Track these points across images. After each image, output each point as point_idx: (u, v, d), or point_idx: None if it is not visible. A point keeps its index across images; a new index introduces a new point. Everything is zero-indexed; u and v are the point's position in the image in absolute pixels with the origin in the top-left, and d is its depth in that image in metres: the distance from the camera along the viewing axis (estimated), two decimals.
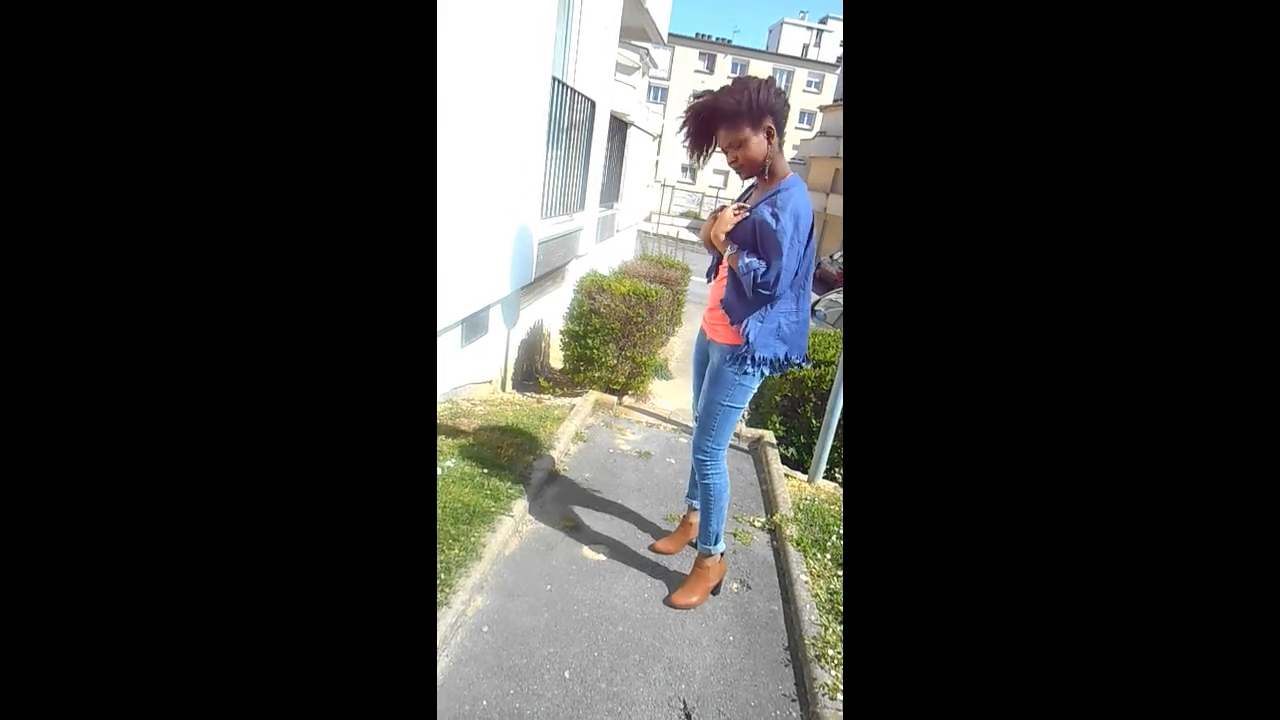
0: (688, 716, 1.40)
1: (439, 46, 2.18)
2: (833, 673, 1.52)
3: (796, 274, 1.52)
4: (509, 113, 3.00)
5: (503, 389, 3.77)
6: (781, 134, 1.51)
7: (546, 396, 3.53)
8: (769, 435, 3.16)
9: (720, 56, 33.48)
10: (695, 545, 1.88)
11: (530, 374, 4.30)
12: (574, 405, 3.14)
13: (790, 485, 2.68)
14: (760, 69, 33.23)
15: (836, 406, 2.80)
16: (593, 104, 4.69)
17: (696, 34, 33.51)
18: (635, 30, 7.19)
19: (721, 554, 1.81)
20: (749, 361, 1.57)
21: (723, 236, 1.57)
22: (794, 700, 1.50)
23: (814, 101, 33.08)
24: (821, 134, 28.50)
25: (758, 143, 1.48)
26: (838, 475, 3.25)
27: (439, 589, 1.56)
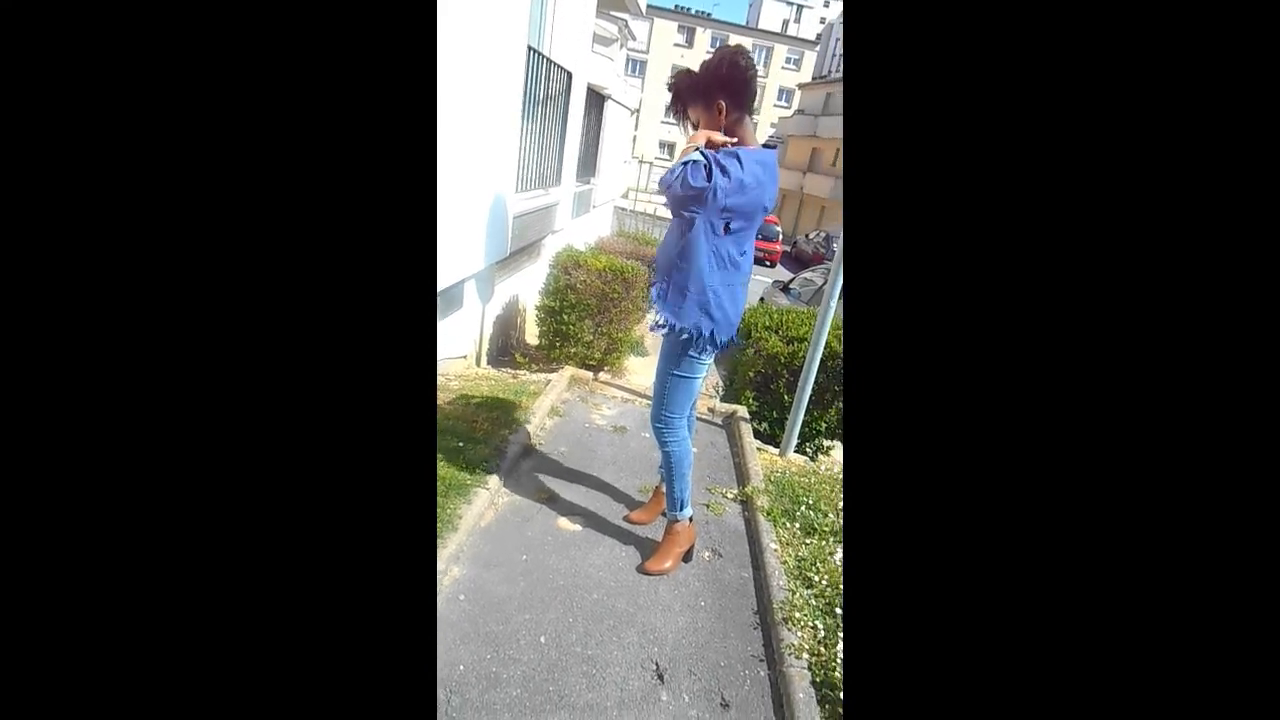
0: (660, 677, 1.45)
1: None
2: (799, 634, 1.59)
3: (719, 247, 1.53)
4: (484, 83, 2.94)
5: (477, 364, 3.75)
6: (741, 107, 1.53)
7: (522, 372, 3.53)
8: (742, 410, 3.21)
9: (700, 30, 32.95)
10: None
11: (505, 350, 4.28)
12: (550, 381, 3.15)
13: (762, 459, 2.75)
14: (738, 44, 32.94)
15: (808, 383, 2.86)
16: (569, 75, 4.60)
17: (676, 6, 32.86)
18: (613, 1, 7.04)
19: (690, 519, 1.86)
20: (672, 331, 1.62)
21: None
22: (761, 660, 1.57)
23: (793, 79, 32.88)
24: (799, 112, 28.39)
25: (709, 119, 1.55)
26: (808, 450, 3.34)
27: None
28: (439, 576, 1.60)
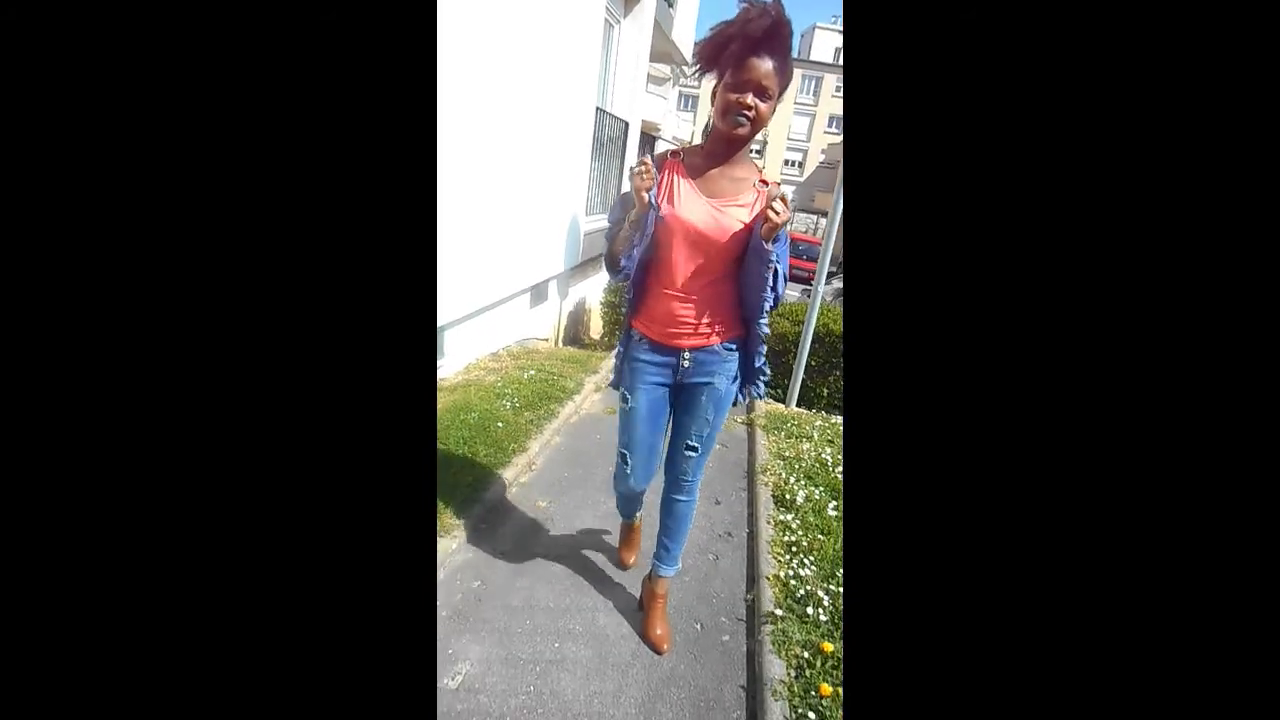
0: None
1: (523, 91, 3.25)
2: (769, 478, 2.54)
3: None
4: (565, 134, 4.10)
5: (555, 345, 4.87)
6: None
7: (588, 351, 4.61)
8: None
9: None
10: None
11: (575, 339, 5.39)
12: (612, 355, 4.21)
13: (769, 407, 3.69)
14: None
15: (803, 351, 3.81)
16: (626, 125, 5.77)
17: None
18: (662, 54, 8.25)
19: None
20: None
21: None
22: (744, 489, 2.54)
23: (842, 107, 33.62)
24: None
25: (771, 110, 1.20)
26: (799, 405, 4.25)
27: (540, 429, 2.64)
28: (548, 438, 2.65)
